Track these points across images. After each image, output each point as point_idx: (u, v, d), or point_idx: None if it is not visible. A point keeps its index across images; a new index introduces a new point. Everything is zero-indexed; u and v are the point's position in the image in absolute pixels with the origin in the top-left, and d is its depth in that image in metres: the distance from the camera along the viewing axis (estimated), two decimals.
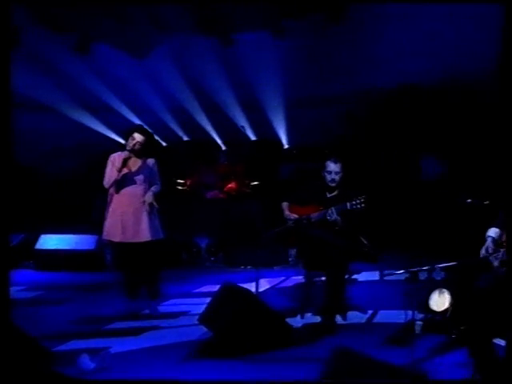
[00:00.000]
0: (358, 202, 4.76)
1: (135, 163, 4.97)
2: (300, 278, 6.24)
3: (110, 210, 4.98)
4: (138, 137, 4.90)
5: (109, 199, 5.00)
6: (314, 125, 9.01)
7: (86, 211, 8.51)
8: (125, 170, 4.89)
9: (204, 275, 6.77)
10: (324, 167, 4.96)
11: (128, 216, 4.89)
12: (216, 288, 5.73)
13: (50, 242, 7.24)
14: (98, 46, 8.51)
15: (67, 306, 5.46)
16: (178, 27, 8.35)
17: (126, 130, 5.06)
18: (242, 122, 9.30)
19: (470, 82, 7.76)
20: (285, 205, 5.14)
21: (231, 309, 4.27)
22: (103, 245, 7.01)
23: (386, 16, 7.90)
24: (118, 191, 4.90)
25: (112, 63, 8.78)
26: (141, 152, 4.94)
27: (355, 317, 4.97)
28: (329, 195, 5.03)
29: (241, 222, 7.93)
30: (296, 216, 4.97)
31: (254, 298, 4.45)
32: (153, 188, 5.00)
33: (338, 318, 4.78)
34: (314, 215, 4.91)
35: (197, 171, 9.09)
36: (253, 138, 9.60)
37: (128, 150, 4.90)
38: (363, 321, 4.88)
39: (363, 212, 4.78)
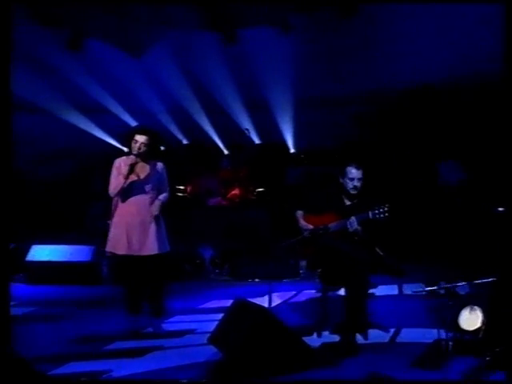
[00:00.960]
0: (381, 210, 4.63)
1: (143, 169, 4.82)
2: (313, 292, 6.09)
3: (115, 220, 4.82)
4: (140, 138, 4.74)
5: (113, 208, 4.84)
6: (323, 127, 8.98)
7: (80, 219, 8.55)
8: (132, 177, 4.73)
9: (209, 289, 6.65)
10: (344, 174, 4.85)
11: (134, 227, 4.74)
12: (222, 303, 5.74)
13: (42, 253, 7.09)
14: (92, 43, 8.40)
15: (62, 324, 5.33)
16: (179, 22, 8.27)
17: (126, 134, 4.91)
18: (246, 124, 9.31)
19: (490, 82, 7.64)
20: (299, 214, 5.01)
21: (244, 327, 4.12)
22: (100, 256, 6.86)
23: (399, 11, 7.82)
24: (124, 200, 4.74)
25: (107, 61, 8.73)
26: (147, 154, 4.79)
27: (377, 335, 4.79)
28: (348, 203, 4.92)
29: (246, 231, 7.91)
30: (312, 226, 4.86)
31: (270, 316, 4.29)
32: (161, 197, 4.85)
33: (359, 337, 4.62)
34: (333, 225, 4.81)
35: (198, 177, 9.01)
36: (257, 141, 9.56)
37: (134, 155, 4.75)
38: (386, 340, 4.74)
39: (386, 222, 4.63)
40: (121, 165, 4.80)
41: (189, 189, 8.88)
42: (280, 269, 6.93)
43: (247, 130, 9.12)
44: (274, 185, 8.95)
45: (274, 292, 6.00)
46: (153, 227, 4.76)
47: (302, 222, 4.95)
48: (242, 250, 7.23)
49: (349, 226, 4.68)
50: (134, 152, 4.75)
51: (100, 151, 9.76)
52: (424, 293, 5.35)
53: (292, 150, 9.53)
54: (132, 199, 4.76)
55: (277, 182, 9.00)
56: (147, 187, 4.78)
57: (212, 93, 9.04)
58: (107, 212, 8.89)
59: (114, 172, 4.79)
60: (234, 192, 8.85)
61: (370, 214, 4.66)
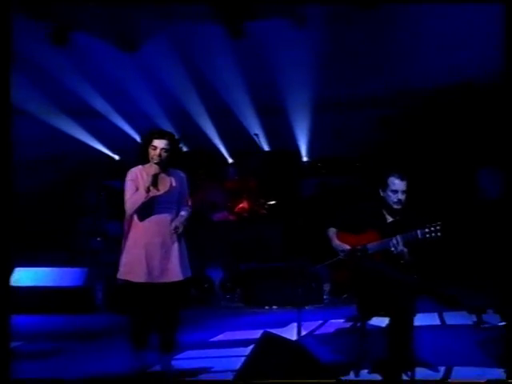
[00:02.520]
0: (432, 229, 4.40)
1: (163, 180, 4.55)
2: (341, 322, 5.95)
3: (130, 242, 4.50)
4: (160, 143, 4.45)
5: (126, 228, 4.53)
6: (342, 132, 8.93)
7: (69, 237, 8.51)
8: (152, 191, 4.47)
9: (220, 318, 6.44)
10: (386, 185, 4.69)
11: (155, 249, 4.44)
12: (238, 335, 5.60)
13: (27, 277, 6.89)
14: (79, 37, 8.21)
15: (52, 362, 5.05)
16: (178, 13, 8.14)
17: (142, 139, 4.62)
18: (255, 128, 9.26)
19: None
20: (332, 232, 4.88)
21: (276, 367, 3.87)
22: (93, 279, 6.69)
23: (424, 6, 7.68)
24: (141, 218, 4.45)
25: (96, 57, 8.59)
26: (168, 162, 4.53)
27: (425, 374, 4.54)
28: (390, 220, 4.74)
29: (257, 250, 7.90)
30: (349, 247, 4.73)
31: (305, 353, 4.04)
32: (183, 213, 4.58)
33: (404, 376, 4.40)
34: (373, 245, 4.66)
35: (200, 189, 8.82)
36: (267, 147, 9.47)
37: (156, 163, 4.48)
38: (436, 380, 4.47)
39: (437, 242, 4.41)
40: (137, 176, 4.49)
41: (190, 202, 8.64)
42: (301, 294, 6.68)
43: (256, 135, 9.07)
44: (288, 197, 8.95)
45: (294, 321, 5.84)
46: (175, 249, 4.49)
47: (336, 242, 4.81)
48: (256, 271, 6.98)
49: (392, 248, 4.50)
50: (155, 160, 4.46)
51: (88, 159, 9.79)
52: (500, 326, 5.13)
53: (305, 158, 9.47)
54: (152, 217, 4.47)
55: (290, 194, 9.00)
56: (169, 202, 4.50)
57: (216, 93, 8.93)
58: (99, 228, 9.04)
59: (130, 185, 4.48)
60: (242, 205, 8.83)
61: (419, 232, 4.43)
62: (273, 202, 8.91)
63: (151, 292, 4.49)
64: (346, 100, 8.80)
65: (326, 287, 6.83)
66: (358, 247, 4.64)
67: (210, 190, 8.87)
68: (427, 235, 4.39)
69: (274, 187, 9.06)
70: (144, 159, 4.55)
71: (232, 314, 6.57)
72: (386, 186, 4.67)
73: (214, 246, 7.89)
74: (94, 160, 9.83)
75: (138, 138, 9.83)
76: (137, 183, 4.47)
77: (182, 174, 4.66)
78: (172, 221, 4.49)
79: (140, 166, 4.56)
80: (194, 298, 6.99)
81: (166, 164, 4.52)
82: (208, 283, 7.18)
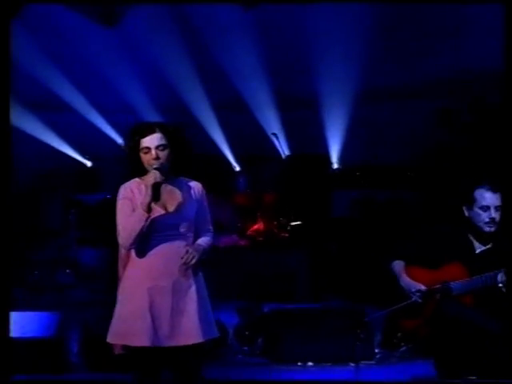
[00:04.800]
0: None
1: (171, 194, 4.11)
2: None
3: (127, 287, 4.05)
4: (152, 141, 4.01)
5: (120, 268, 4.08)
6: (388, 130, 8.92)
7: (27, 270, 8.20)
8: (156, 209, 4.02)
9: (237, 376, 6.13)
10: (472, 201, 4.64)
11: (163, 297, 4.00)
12: None
13: None
14: (37, 6, 8.05)
15: None
16: None
17: (126, 146, 4.17)
18: (273, 127, 9.22)
19: None
20: (399, 266, 4.82)
21: None
22: (66, 327, 6.39)
23: None
24: (142, 250, 4.01)
25: (60, 32, 8.53)
26: (173, 167, 4.11)
27: None
28: (481, 249, 4.70)
29: (276, 285, 7.73)
30: (424, 286, 4.65)
31: None
32: (202, 241, 4.13)
33: None
34: (458, 284, 4.60)
35: None
36: (288, 151, 9.38)
37: (156, 169, 4.03)
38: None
39: None
40: (133, 192, 4.04)
41: (211, 225, 8.54)
42: (343, 347, 6.36)
43: (275, 135, 9.01)
44: (316, 216, 8.80)
45: None
46: (192, 295, 4.05)
47: (407, 280, 4.73)
48: (282, 315, 6.69)
49: (500, 284, 4.43)
50: (154, 166, 4.02)
51: (51, 166, 9.73)
52: None
53: (338, 165, 9.42)
54: (157, 249, 4.03)
55: (320, 212, 8.80)
56: (181, 225, 4.06)
57: (223, 82, 8.89)
58: (67, 257, 8.79)
59: (125, 206, 4.03)
60: (256, 227, 8.69)
61: None
62: (297, 223, 8.78)
63: (158, 357, 4.08)
64: (392, 89, 8.83)
65: (377, 337, 6.54)
66: (438, 286, 4.57)
67: (215, 206, 8.61)
68: None
69: (297, 203, 8.90)
70: (138, 170, 4.12)
71: (252, 372, 6.31)
72: (472, 202, 4.62)
73: (223, 279, 7.67)
74: (59, 167, 9.75)
75: (118, 140, 9.74)
76: (134, 203, 4.04)
77: (198, 185, 4.20)
78: (183, 258, 4.08)
79: (136, 179, 4.09)
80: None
81: (172, 169, 4.12)
82: (221, 331, 6.86)
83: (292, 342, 6.63)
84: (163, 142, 3.99)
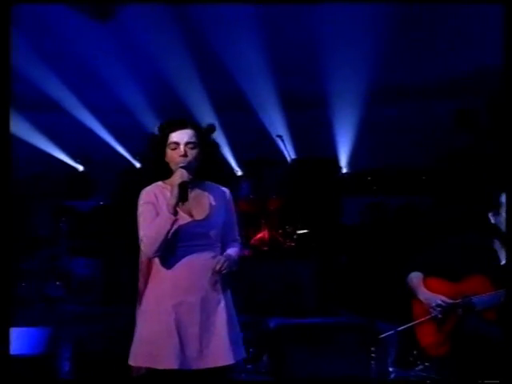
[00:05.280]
0: None
1: (198, 200, 4.00)
2: None
3: (149, 303, 3.95)
4: (182, 136, 3.88)
5: (141, 282, 3.97)
6: (401, 133, 8.92)
7: (17, 279, 8.22)
8: (182, 216, 3.91)
9: None
10: (499, 206, 4.62)
11: (191, 315, 3.90)
12: None
13: None
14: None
15: None
16: None
17: (152, 141, 4.04)
18: (279, 129, 9.20)
19: None
20: (417, 278, 4.78)
21: None
22: (57, 344, 6.36)
23: None
24: (167, 262, 3.87)
25: (54, 28, 8.56)
26: (202, 168, 4.00)
27: None
28: (506, 259, 4.63)
29: (283, 298, 7.61)
30: (444, 298, 4.61)
31: None
32: (231, 251, 4.03)
33: None
34: (482, 298, 4.58)
35: None
36: (295, 154, 9.40)
37: (183, 167, 3.89)
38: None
39: None
40: (157, 197, 3.92)
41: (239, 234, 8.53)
42: (355, 365, 6.31)
43: (280, 137, 8.98)
44: (325, 224, 8.80)
45: None
46: (222, 312, 3.96)
47: (426, 293, 4.68)
48: (288, 330, 6.65)
49: None
50: (180, 164, 3.88)
51: (40, 170, 9.72)
52: None
53: (348, 169, 9.44)
54: (183, 260, 3.92)
55: (328, 220, 8.83)
56: (209, 235, 3.94)
57: (225, 80, 8.90)
58: (57, 268, 8.72)
59: (148, 210, 3.92)
60: (260, 235, 8.67)
61: None
62: (304, 231, 8.77)
63: (185, 380, 3.98)
64: (405, 89, 8.86)
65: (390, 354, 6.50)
66: (459, 301, 4.54)
67: None
68: None
69: (304, 210, 8.90)
70: (162, 171, 3.99)
71: None
72: (499, 208, 4.60)
73: None
74: (48, 172, 9.74)
75: (111, 140, 9.73)
76: (156, 207, 3.93)
77: (226, 191, 4.09)
78: (214, 268, 3.96)
79: (160, 183, 3.98)
80: None
81: (199, 172, 4.00)
82: None
83: (299, 359, 6.59)
84: (194, 139, 3.86)
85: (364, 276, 7.79)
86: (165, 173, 3.90)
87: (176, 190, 3.73)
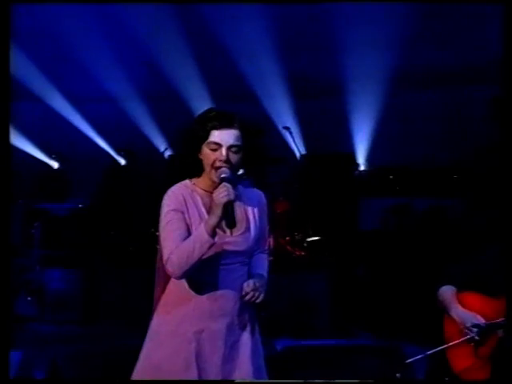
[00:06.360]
0: None
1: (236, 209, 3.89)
2: None
3: (167, 321, 3.86)
4: (226, 137, 3.72)
5: (158, 287, 3.87)
6: (427, 124, 9.03)
7: None
8: (218, 233, 3.78)
9: None
10: None
11: (214, 344, 3.85)
12: None
13: None
14: None
15: None
16: None
17: (188, 133, 3.89)
18: (286, 121, 9.26)
19: None
20: (449, 293, 4.71)
21: None
22: (30, 367, 6.29)
23: None
24: (195, 284, 3.76)
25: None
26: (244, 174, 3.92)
27: None
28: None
29: (291, 316, 7.75)
30: (482, 318, 4.53)
31: None
32: (262, 269, 3.91)
33: None
34: None
35: None
36: (304, 150, 9.47)
37: (225, 179, 3.73)
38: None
39: None
40: (186, 202, 3.79)
41: (270, 242, 8.59)
42: None
43: (288, 129, 9.05)
44: (339, 229, 8.85)
45: None
46: (247, 340, 3.90)
47: (459, 310, 4.62)
48: (300, 353, 6.65)
49: None
50: (223, 175, 3.72)
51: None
52: None
53: (366, 166, 9.49)
54: (211, 281, 3.76)
55: (343, 225, 8.88)
56: (242, 252, 3.83)
57: (223, 63, 8.96)
58: (29, 280, 8.70)
59: (174, 221, 3.76)
60: None
61: None
62: (315, 238, 8.84)
63: None
64: (432, 74, 8.92)
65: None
66: (500, 320, 4.48)
67: None
68: None
69: (315, 213, 8.95)
70: (193, 169, 3.84)
71: None
72: None
73: None
74: (18, 169, 9.49)
75: (90, 133, 9.75)
76: (187, 217, 3.80)
77: (261, 195, 3.95)
78: (245, 294, 3.87)
79: (187, 183, 3.83)
80: None
81: (239, 177, 3.87)
82: None
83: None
84: (239, 142, 3.75)
85: (386, 291, 7.80)
86: (195, 170, 3.83)
87: (219, 211, 3.64)
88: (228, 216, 3.60)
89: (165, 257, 3.73)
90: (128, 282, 7.87)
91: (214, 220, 3.61)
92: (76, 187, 9.71)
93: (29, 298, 8.45)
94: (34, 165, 9.85)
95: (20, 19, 8.77)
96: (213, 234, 3.62)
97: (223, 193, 3.59)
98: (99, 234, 8.80)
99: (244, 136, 3.72)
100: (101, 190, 9.56)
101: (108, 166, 10.02)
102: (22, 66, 9.09)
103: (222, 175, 3.61)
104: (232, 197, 3.63)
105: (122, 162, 10.00)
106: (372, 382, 4.37)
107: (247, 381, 3.80)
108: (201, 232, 3.63)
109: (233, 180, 3.71)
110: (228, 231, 3.78)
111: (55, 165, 9.93)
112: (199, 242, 3.65)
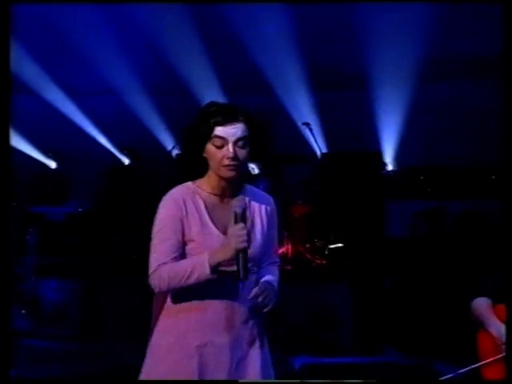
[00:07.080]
0: None
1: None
2: None
3: (168, 334, 3.89)
4: (232, 131, 3.71)
5: (156, 307, 3.89)
6: (461, 119, 9.00)
7: None
8: (217, 237, 3.79)
9: None
10: None
11: (219, 359, 3.88)
12: None
13: None
14: None
15: None
16: None
17: (189, 130, 3.88)
18: (306, 116, 9.29)
19: None
20: (485, 305, 4.84)
21: None
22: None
23: None
24: (191, 293, 3.77)
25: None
26: (250, 173, 4.00)
27: None
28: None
29: (312, 331, 7.73)
30: None
31: None
32: (272, 279, 3.92)
33: None
34: None
35: None
36: (325, 148, 9.49)
37: (229, 177, 3.73)
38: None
39: None
40: (186, 207, 3.76)
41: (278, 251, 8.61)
42: None
43: (307, 125, 9.08)
44: (364, 236, 8.88)
45: None
46: (255, 356, 3.91)
47: (497, 324, 4.76)
48: (319, 372, 6.67)
49: None
50: (228, 172, 3.72)
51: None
52: None
53: (392, 167, 9.51)
54: (215, 292, 3.80)
55: (368, 231, 8.90)
56: (250, 259, 3.83)
57: (236, 53, 9.01)
58: (23, 291, 8.72)
59: (169, 229, 3.77)
60: (281, 251, 8.70)
61: None
62: (337, 245, 8.89)
63: None
64: (466, 64, 8.97)
65: None
66: None
67: None
68: None
69: (338, 218, 8.97)
70: (198, 169, 3.84)
71: None
72: None
73: None
74: (11, 170, 9.78)
75: (91, 129, 9.78)
76: (185, 222, 3.81)
77: (270, 201, 3.95)
78: (254, 296, 3.86)
79: (189, 185, 3.85)
80: None
81: (245, 175, 3.85)
82: None
83: None
84: (245, 135, 3.77)
85: (415, 303, 7.78)
86: (200, 171, 3.87)
87: (230, 253, 3.67)
88: (239, 267, 3.61)
89: (152, 266, 3.74)
90: (131, 293, 7.87)
91: (221, 258, 3.64)
92: (75, 189, 9.73)
93: (23, 311, 8.48)
94: (28, 164, 9.89)
95: (17, 11, 9.00)
96: (214, 270, 3.63)
97: (242, 237, 3.63)
98: (100, 241, 8.83)
99: (250, 129, 3.75)
100: (102, 193, 9.55)
101: (110, 166, 10.04)
102: (14, 57, 9.22)
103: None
104: (244, 205, 3.68)
105: (126, 161, 10.05)
106: (374, 382, 4.55)
107: (249, 381, 3.84)
108: (203, 262, 3.67)
109: (238, 177, 3.73)
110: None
111: (52, 164, 9.99)
112: (197, 273, 3.69)
